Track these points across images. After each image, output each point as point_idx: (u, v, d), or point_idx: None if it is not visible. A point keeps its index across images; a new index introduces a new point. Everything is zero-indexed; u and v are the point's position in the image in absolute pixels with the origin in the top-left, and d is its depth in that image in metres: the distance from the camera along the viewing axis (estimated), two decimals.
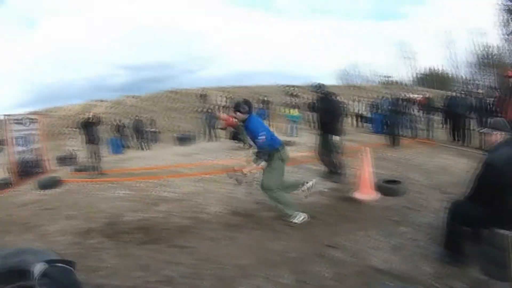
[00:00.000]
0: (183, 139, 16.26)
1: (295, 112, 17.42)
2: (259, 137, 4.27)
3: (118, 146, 16.13)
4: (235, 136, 12.37)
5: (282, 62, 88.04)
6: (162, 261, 3.72)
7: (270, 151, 4.38)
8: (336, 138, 6.21)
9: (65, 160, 13.80)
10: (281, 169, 4.58)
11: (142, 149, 16.04)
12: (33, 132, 10.99)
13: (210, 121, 17.22)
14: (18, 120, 10.32)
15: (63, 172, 10.69)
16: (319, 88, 6.35)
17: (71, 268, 1.91)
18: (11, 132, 9.83)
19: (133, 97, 24.66)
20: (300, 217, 4.53)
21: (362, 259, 3.56)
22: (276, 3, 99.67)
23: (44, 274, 1.82)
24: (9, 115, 10.08)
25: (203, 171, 7.87)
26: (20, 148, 10.12)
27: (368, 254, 3.65)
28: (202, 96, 22.97)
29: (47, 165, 11.57)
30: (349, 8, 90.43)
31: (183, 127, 19.42)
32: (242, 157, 8.85)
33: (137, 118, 17.71)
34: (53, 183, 8.38)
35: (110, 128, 18.61)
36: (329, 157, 6.41)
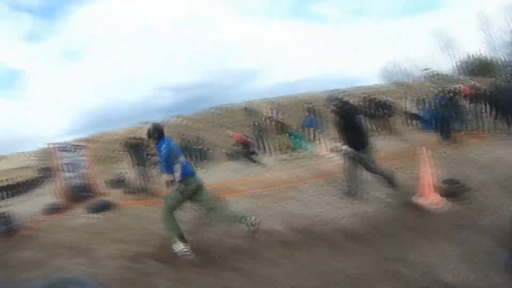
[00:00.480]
0: (234, 155, 16.51)
1: None
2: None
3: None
4: (247, 154, 13.18)
5: (325, 67, 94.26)
6: (218, 286, 3.68)
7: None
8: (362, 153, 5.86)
9: (115, 183, 14.48)
10: (176, 198, 4.95)
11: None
12: (80, 158, 11.91)
13: (259, 134, 17.77)
14: (64, 148, 11.40)
15: (113, 195, 11.14)
16: (335, 101, 6.16)
17: None
18: (58, 160, 10.92)
19: (178, 117, 25.56)
20: (179, 247, 4.76)
21: (428, 272, 3.42)
22: (308, 10, 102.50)
23: None
24: (54, 143, 11.24)
25: (256, 186, 7.86)
26: (68, 174, 11.10)
27: (434, 266, 3.52)
28: (247, 109, 23.40)
29: (97, 188, 12.23)
30: (382, 7, 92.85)
31: (232, 143, 19.79)
32: (296, 170, 8.83)
33: (183, 137, 18.34)
34: (103, 207, 8.87)
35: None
36: (356, 173, 6.01)
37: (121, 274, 4.46)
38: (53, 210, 10.24)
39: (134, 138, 11.16)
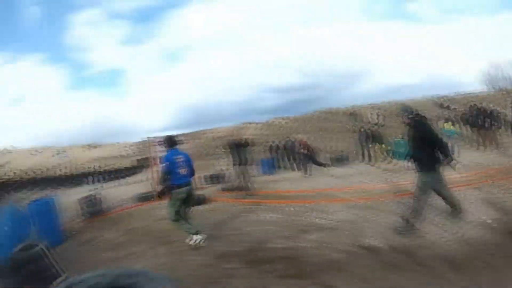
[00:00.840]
0: (336, 160, 16.84)
1: (449, 126, 16.57)
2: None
3: (270, 167, 17.45)
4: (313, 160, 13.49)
5: (428, 72, 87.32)
6: None
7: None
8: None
9: (213, 179, 15.46)
10: (173, 202, 5.87)
11: (294, 170, 16.75)
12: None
13: (365, 141, 17.54)
14: (163, 142, 12.36)
15: (210, 191, 11.91)
16: (408, 112, 5.65)
17: None
18: (155, 152, 12.13)
19: (283, 118, 26.26)
20: (193, 240, 5.70)
21: None
22: (405, 10, 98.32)
23: None
24: (152, 137, 12.50)
25: (358, 197, 7.64)
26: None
27: None
28: (352, 114, 23.17)
29: (194, 183, 13.14)
30: (479, 3, 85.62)
31: (336, 147, 19.95)
32: (400, 181, 8.60)
33: (288, 139, 18.88)
34: (198, 201, 9.28)
35: (262, 149, 20.38)
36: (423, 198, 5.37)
37: (201, 271, 4.58)
38: (146, 198, 11.54)
39: (239, 138, 11.94)
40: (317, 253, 4.68)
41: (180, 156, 6.11)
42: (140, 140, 32.45)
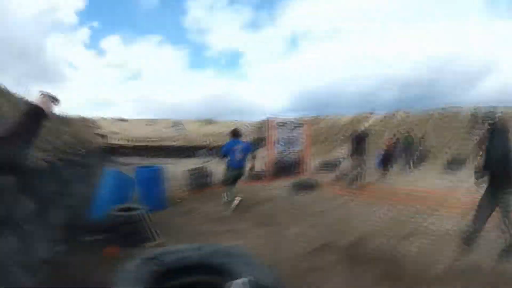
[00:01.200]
0: (452, 163, 16.05)
1: None
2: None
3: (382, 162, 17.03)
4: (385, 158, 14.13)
5: None
6: None
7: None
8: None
9: (327, 166, 15.55)
10: (227, 177, 7.81)
11: (409, 167, 16.56)
12: (297, 135, 13.36)
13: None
14: (282, 123, 12.85)
15: (321, 178, 11.99)
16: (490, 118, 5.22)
17: None
18: (273, 133, 12.49)
19: (403, 112, 25.08)
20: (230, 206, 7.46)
21: None
22: None
23: None
24: (273, 117, 12.79)
25: (471, 207, 6.98)
26: (280, 148, 12.65)
27: None
28: (473, 115, 21.36)
29: (306, 168, 13.71)
30: None
31: (454, 149, 19.02)
32: None
33: (407, 134, 18.30)
34: (308, 186, 9.60)
35: (380, 142, 19.87)
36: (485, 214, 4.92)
37: (299, 258, 4.56)
38: (257, 177, 12.04)
39: (360, 131, 11.76)
40: (418, 261, 4.51)
41: (239, 145, 7.70)
42: (258, 120, 33.68)
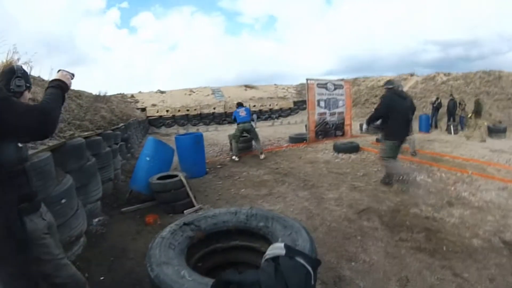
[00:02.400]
0: (494, 131, 15.34)
1: None
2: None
3: (427, 125, 17.06)
4: None
5: None
6: (427, 282, 3.30)
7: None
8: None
9: (372, 128, 15.28)
10: (236, 132, 9.72)
11: (450, 133, 16.22)
12: (338, 97, 13.24)
13: None
14: (322, 85, 12.69)
15: (363, 140, 11.95)
16: (388, 84, 6.67)
17: (311, 272, 1.82)
18: (315, 95, 12.36)
19: (444, 74, 24.19)
20: (234, 157, 9.59)
21: None
22: None
23: (274, 259, 1.83)
24: (312, 79, 12.52)
25: (511, 178, 6.90)
26: (321, 110, 12.57)
27: None
28: None
29: (348, 130, 13.72)
30: None
31: (494, 116, 18.20)
32: None
33: (451, 98, 17.54)
34: (349, 148, 9.58)
35: (421, 104, 19.78)
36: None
37: (338, 223, 4.58)
38: (299, 140, 12.14)
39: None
40: (457, 233, 4.38)
41: (242, 109, 9.92)
42: (299, 83, 33.49)
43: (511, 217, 4.93)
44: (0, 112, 1.43)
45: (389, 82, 6.72)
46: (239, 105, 10.26)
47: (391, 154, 6.20)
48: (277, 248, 1.91)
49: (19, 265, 1.56)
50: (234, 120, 9.90)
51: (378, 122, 6.50)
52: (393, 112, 6.14)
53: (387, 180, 6.35)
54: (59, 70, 2.02)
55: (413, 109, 6.93)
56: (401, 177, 6.23)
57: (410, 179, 6.45)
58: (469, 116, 15.33)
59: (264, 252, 1.98)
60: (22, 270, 1.55)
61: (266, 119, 26.24)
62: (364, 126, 6.74)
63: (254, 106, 26.28)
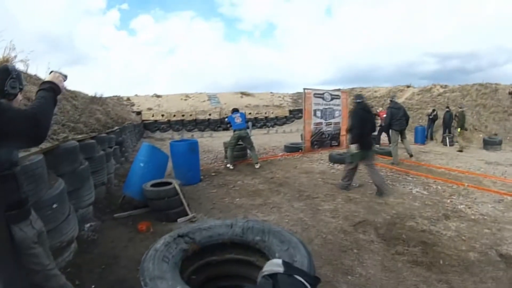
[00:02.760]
0: (489, 143, 15.66)
1: None
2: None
3: (423, 136, 17.13)
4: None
5: None
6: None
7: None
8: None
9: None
10: (232, 139, 9.62)
11: (446, 145, 16.34)
12: (334, 107, 13.27)
13: None
14: (319, 95, 12.71)
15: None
16: (357, 98, 7.28)
17: None
18: (310, 105, 12.36)
19: (441, 86, 24.39)
20: (229, 165, 9.49)
21: None
22: None
23: (272, 276, 1.81)
24: (309, 88, 12.59)
25: (507, 191, 6.97)
26: (318, 120, 12.58)
27: None
28: (511, 93, 20.57)
29: (344, 140, 13.41)
30: None
31: (490, 128, 18.56)
32: None
33: (448, 110, 17.67)
34: (345, 159, 9.46)
35: (417, 115, 20.03)
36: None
37: (334, 235, 4.56)
38: (294, 149, 12.14)
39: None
40: (454, 246, 4.41)
41: (237, 114, 9.75)
42: (295, 91, 33.66)
43: (507, 230, 4.93)
44: None
45: (358, 96, 7.27)
46: (235, 110, 10.08)
47: (356, 160, 6.81)
48: (275, 265, 1.87)
49: (8, 276, 1.49)
50: (228, 125, 10.02)
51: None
52: (364, 126, 6.75)
53: (345, 185, 6.96)
54: (51, 72, 1.97)
55: (373, 123, 7.53)
56: (348, 180, 6.97)
57: (353, 185, 7.18)
58: (458, 130, 15.54)
59: (260, 266, 1.96)
60: (11, 281, 1.47)
61: (261, 127, 26.23)
62: (354, 146, 6.76)
63: (250, 113, 26.32)
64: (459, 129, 15.27)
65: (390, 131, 11.10)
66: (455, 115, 16.73)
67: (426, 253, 4.11)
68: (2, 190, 1.73)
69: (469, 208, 5.87)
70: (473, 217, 5.45)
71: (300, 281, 1.79)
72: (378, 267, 3.72)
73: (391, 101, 11.15)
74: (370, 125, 7.03)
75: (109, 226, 4.82)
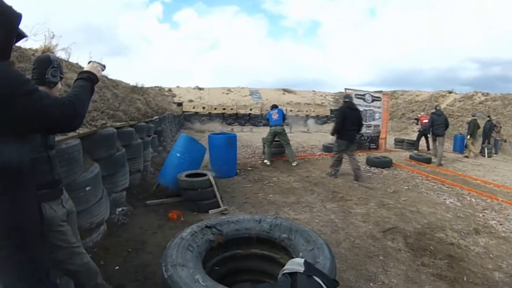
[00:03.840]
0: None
1: None
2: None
3: (462, 145, 16.33)
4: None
5: None
6: None
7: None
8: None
9: (404, 143, 15.38)
10: (268, 135, 9.72)
11: (484, 155, 15.63)
12: (375, 109, 13.17)
13: None
14: (360, 96, 12.69)
15: (397, 155, 11.90)
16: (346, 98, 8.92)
17: None
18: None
19: (483, 94, 23.86)
20: (266, 161, 9.59)
21: None
22: None
23: (292, 275, 1.83)
24: (351, 89, 12.58)
25: None
26: None
27: None
28: None
29: (383, 143, 13.65)
30: None
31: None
32: None
33: (489, 119, 17.14)
34: (382, 163, 9.52)
35: (457, 123, 19.62)
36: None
37: (362, 240, 4.52)
38: (331, 149, 11.90)
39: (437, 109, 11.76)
40: (480, 263, 4.25)
41: (275, 111, 9.82)
42: (337, 91, 33.44)
43: None
44: (27, 103, 1.40)
45: (347, 96, 9.26)
46: (273, 107, 10.15)
47: (340, 149, 8.20)
48: (296, 264, 1.88)
49: (33, 252, 1.55)
50: (267, 120, 10.01)
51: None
52: (346, 121, 8.03)
53: (332, 172, 8.27)
54: (89, 62, 2.01)
55: (359, 119, 8.40)
56: (335, 168, 8.28)
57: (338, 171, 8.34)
58: (468, 138, 15.09)
59: (283, 264, 1.96)
60: (35, 257, 1.53)
61: (302, 125, 25.98)
62: (332, 137, 8.79)
63: (291, 110, 26.31)
64: (468, 137, 14.79)
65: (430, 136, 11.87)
66: (495, 125, 16.29)
67: (451, 267, 4.01)
68: (36, 171, 1.79)
69: (501, 224, 5.69)
70: (503, 234, 5.27)
71: (318, 283, 1.79)
72: (401, 277, 3.68)
73: (436, 108, 11.67)
74: (354, 121, 8.14)
75: (141, 212, 4.95)
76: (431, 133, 11.65)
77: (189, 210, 5.09)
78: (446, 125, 10.46)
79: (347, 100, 8.55)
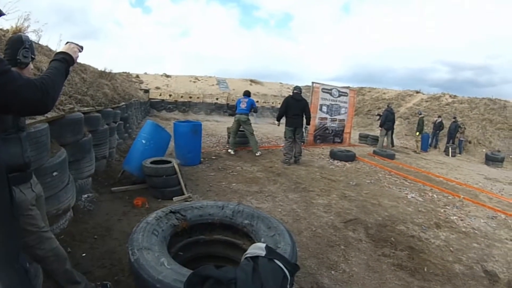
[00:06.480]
0: (491, 159, 15.73)
1: None
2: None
3: (426, 144, 17.24)
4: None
5: None
6: None
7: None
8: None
9: (367, 139, 15.76)
10: (234, 123, 9.92)
11: (448, 155, 16.58)
12: (341, 104, 13.44)
13: None
14: (327, 90, 12.88)
15: (360, 150, 12.23)
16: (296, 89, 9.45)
17: (288, 276, 1.85)
18: (317, 99, 12.54)
19: (450, 96, 24.69)
20: (230, 150, 9.60)
21: None
22: None
23: (254, 259, 1.87)
24: (318, 83, 12.71)
25: (502, 209, 6.95)
26: (323, 115, 12.74)
27: None
28: None
29: (347, 138, 13.96)
30: None
31: (494, 144, 18.78)
32: None
33: (454, 120, 18.19)
34: (346, 157, 9.74)
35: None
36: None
37: (324, 229, 4.62)
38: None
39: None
40: (440, 255, 4.42)
41: (245, 99, 9.81)
42: (304, 84, 33.75)
43: (496, 247, 4.90)
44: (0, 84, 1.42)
45: (296, 87, 9.51)
46: (246, 94, 10.09)
47: (288, 135, 8.96)
48: (258, 248, 1.95)
49: (3, 236, 1.57)
50: (235, 107, 10.03)
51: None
52: (289, 109, 8.93)
53: (286, 159, 8.81)
54: (67, 42, 2.00)
55: (302, 108, 9.02)
56: (287, 154, 8.87)
57: (291, 158, 8.96)
58: (417, 135, 16.09)
59: (246, 250, 2.01)
60: (5, 241, 1.55)
61: (267, 116, 26.10)
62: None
63: (257, 101, 26.33)
64: (417, 133, 16.00)
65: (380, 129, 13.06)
66: (459, 127, 17.51)
67: (412, 258, 4.14)
68: (6, 152, 1.81)
69: (462, 220, 5.90)
70: (464, 229, 5.47)
71: (279, 266, 1.86)
72: (362, 266, 3.78)
73: (388, 106, 13.53)
74: (297, 110, 8.91)
75: (106, 199, 4.93)
76: (383, 127, 13.03)
77: (154, 197, 5.12)
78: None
79: (295, 91, 9.24)
